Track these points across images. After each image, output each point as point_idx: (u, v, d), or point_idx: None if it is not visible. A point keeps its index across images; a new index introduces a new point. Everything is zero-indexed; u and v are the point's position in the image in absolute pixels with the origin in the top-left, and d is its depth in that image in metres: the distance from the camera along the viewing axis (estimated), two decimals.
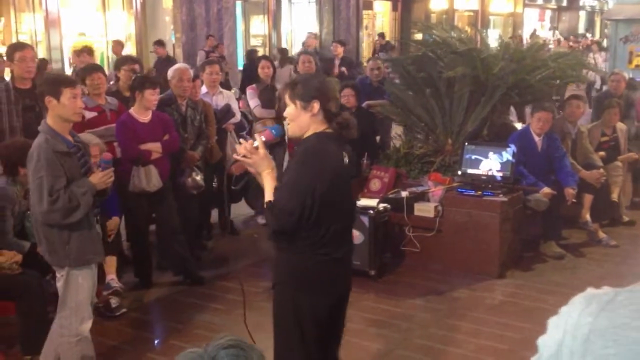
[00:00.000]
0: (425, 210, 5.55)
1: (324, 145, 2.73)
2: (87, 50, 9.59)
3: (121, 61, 6.46)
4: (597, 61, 13.51)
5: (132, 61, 6.48)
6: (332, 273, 2.83)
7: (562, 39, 22.63)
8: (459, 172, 5.69)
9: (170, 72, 5.63)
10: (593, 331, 1.08)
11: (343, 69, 11.25)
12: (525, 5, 27.48)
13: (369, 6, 20.03)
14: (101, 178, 3.56)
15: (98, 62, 10.36)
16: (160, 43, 11.64)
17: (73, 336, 3.59)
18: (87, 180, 3.51)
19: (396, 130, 7.28)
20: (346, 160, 2.77)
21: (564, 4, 30.71)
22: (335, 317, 2.94)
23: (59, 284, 3.56)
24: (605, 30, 23.84)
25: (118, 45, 11.63)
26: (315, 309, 2.83)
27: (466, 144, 5.78)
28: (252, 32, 16.75)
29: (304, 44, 13.75)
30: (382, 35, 18.15)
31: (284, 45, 16.21)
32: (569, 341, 1.09)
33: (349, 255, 2.92)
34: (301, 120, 2.78)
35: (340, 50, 12.09)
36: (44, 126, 3.50)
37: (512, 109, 7.51)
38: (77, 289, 3.54)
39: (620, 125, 6.90)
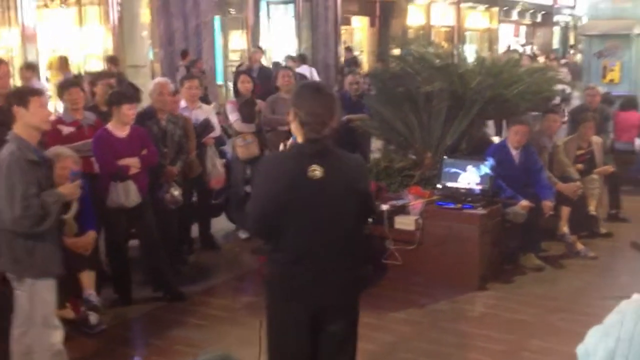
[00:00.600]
0: (405, 223, 5.56)
1: (280, 157, 2.87)
2: (31, 67, 9.64)
3: (97, 76, 6.44)
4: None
5: (108, 76, 6.46)
6: (304, 284, 2.77)
7: (536, 53, 22.93)
8: (439, 186, 5.73)
9: (150, 86, 5.62)
10: None
11: None
12: (500, 21, 27.89)
13: (348, 21, 20.17)
14: (71, 189, 3.59)
15: (39, 79, 10.23)
16: (113, 60, 11.47)
17: (46, 350, 3.55)
18: (56, 190, 3.53)
19: (376, 144, 7.32)
20: (316, 173, 2.69)
21: (539, 20, 31.22)
22: (321, 331, 2.86)
23: (22, 300, 3.51)
24: (579, 46, 24.26)
25: (61, 61, 11.19)
26: (294, 321, 2.81)
27: (445, 157, 5.82)
28: (231, 47, 16.77)
29: (250, 58, 13.53)
30: (349, 49, 18.22)
31: (263, 61, 16.25)
32: (623, 350, 1.10)
33: (327, 268, 2.78)
34: (292, 127, 2.84)
35: (294, 65, 12.13)
36: (12, 136, 3.51)
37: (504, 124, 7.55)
38: (42, 302, 3.53)
39: (596, 139, 7.00)
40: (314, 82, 3.76)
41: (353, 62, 15.30)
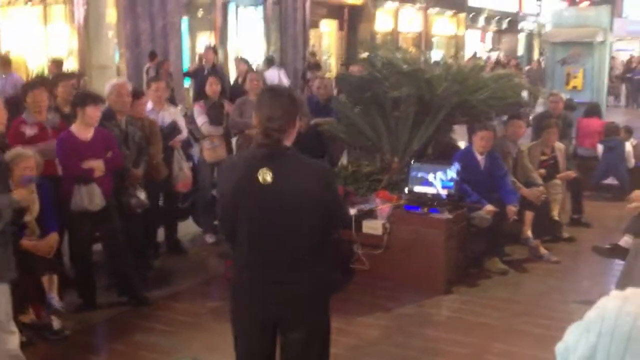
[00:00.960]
0: (373, 227, 5.59)
1: (235, 160, 2.95)
2: None
3: (58, 77, 6.32)
4: None
5: (70, 77, 6.35)
6: (262, 289, 2.74)
7: (501, 60, 23.26)
8: (406, 190, 5.77)
9: (107, 88, 5.48)
10: (635, 328, 1.09)
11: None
12: (467, 27, 28.24)
13: (316, 25, 20.21)
14: (24, 195, 3.55)
15: None
16: (57, 62, 11.23)
17: (3, 356, 3.47)
18: (9, 194, 3.46)
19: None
20: (266, 177, 2.65)
21: (504, 27, 31.70)
22: (282, 338, 2.84)
23: None
24: (543, 52, 24.67)
25: (2, 60, 10.87)
26: (252, 326, 2.81)
27: (412, 162, 5.87)
28: (198, 49, 16.63)
29: (201, 57, 13.37)
30: (312, 53, 18.25)
31: (230, 62, 16.16)
32: (605, 343, 1.11)
33: (285, 275, 2.72)
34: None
35: (243, 68, 12.08)
36: None
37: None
38: None
39: (559, 145, 7.14)
40: (276, 87, 3.72)
41: (315, 66, 15.31)
